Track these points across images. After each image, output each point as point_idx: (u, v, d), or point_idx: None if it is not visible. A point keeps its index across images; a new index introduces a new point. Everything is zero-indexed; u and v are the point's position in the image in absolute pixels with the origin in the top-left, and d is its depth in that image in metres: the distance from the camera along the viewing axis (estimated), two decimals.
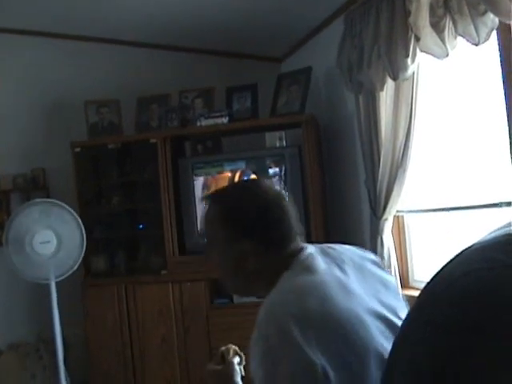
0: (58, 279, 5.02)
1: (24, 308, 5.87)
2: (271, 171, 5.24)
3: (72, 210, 5.10)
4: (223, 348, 2.38)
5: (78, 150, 5.53)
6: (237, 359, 2.33)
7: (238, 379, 2.26)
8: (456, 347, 1.24)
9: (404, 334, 1.45)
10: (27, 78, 5.95)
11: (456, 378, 1.19)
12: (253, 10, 5.24)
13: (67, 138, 5.55)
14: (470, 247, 1.41)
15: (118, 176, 5.74)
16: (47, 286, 5.05)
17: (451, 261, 1.42)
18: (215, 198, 2.13)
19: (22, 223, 4.97)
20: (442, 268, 1.42)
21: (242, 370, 2.34)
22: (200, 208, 5.24)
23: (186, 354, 5.29)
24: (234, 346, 2.38)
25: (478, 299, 1.26)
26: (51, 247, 4.97)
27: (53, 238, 4.98)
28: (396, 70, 3.76)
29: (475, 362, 1.18)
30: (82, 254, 5.08)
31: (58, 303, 5.07)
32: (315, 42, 5.58)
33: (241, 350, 2.35)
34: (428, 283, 1.46)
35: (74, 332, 5.51)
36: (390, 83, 4.02)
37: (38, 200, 5.15)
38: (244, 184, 2.63)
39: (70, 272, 5.03)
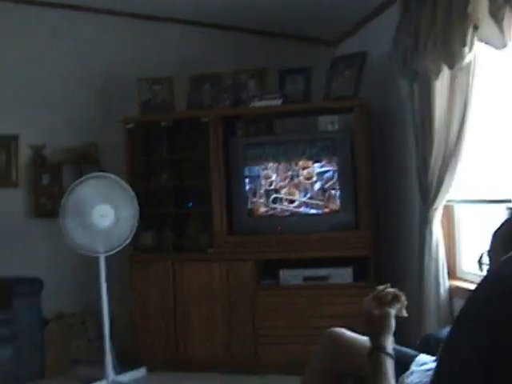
0: (108, 253, 5.10)
1: (73, 279, 5.99)
2: (325, 155, 5.24)
3: (128, 186, 5.16)
4: (381, 291, 2.32)
5: (130, 126, 5.59)
6: (396, 307, 2.27)
7: (389, 336, 2.20)
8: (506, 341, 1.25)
9: (458, 324, 1.46)
10: (83, 54, 6.04)
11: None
12: None
13: (120, 114, 5.61)
14: None
15: (168, 153, 5.78)
16: (96, 259, 5.13)
17: (506, 257, 1.43)
18: None
19: (82, 195, 5.03)
20: (498, 264, 1.43)
21: (404, 311, 2.30)
22: (249, 187, 5.28)
23: (229, 333, 5.33)
24: (392, 290, 2.31)
25: None
26: (109, 221, 5.05)
27: (111, 212, 5.05)
28: (452, 58, 3.72)
29: None
30: (134, 230, 5.15)
31: (106, 276, 5.16)
32: (371, 27, 5.54)
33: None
34: (484, 277, 1.47)
35: (121, 305, 5.58)
36: (445, 72, 3.98)
37: (94, 174, 5.20)
38: None
39: (121, 247, 5.10)
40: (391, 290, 2.32)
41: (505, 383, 1.24)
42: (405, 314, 2.29)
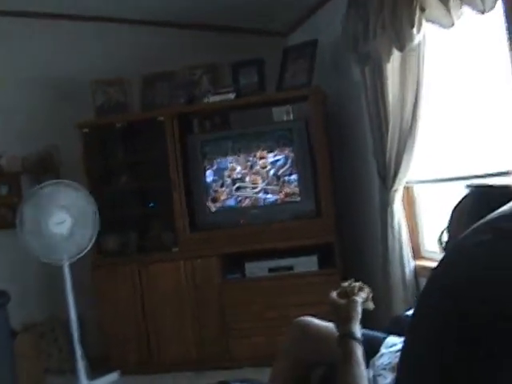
0: (71, 260, 5.05)
1: (38, 289, 5.92)
2: (279, 145, 5.24)
3: (85, 191, 5.12)
4: (346, 286, 2.34)
5: (85, 130, 5.53)
6: (362, 296, 2.29)
7: (356, 322, 2.21)
8: (465, 316, 1.25)
9: (419, 303, 1.47)
10: (33, 60, 5.94)
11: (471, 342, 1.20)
12: None
13: (75, 119, 5.55)
14: (483, 218, 1.41)
15: (126, 155, 5.75)
16: (60, 267, 5.08)
17: (461, 237, 1.43)
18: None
19: (37, 205, 4.99)
20: (458, 238, 1.43)
21: (371, 304, 2.32)
22: (210, 182, 5.27)
23: (199, 330, 5.33)
24: (357, 283, 2.34)
25: (489, 271, 1.27)
26: (66, 227, 5.00)
27: (67, 218, 5.01)
28: (402, 40, 3.74)
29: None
30: (95, 235, 5.11)
31: (72, 283, 5.11)
32: (320, 15, 5.56)
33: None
34: (444, 255, 1.47)
35: (89, 312, 5.54)
36: (396, 54, 4.00)
37: (50, 181, 5.14)
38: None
39: (84, 252, 5.06)
40: (356, 283, 2.34)
41: (455, 368, 1.25)
42: (371, 306, 2.31)
